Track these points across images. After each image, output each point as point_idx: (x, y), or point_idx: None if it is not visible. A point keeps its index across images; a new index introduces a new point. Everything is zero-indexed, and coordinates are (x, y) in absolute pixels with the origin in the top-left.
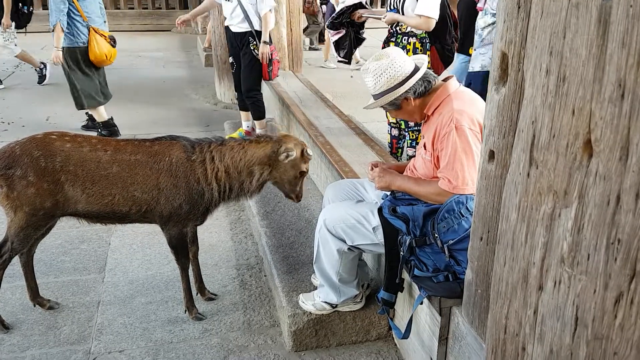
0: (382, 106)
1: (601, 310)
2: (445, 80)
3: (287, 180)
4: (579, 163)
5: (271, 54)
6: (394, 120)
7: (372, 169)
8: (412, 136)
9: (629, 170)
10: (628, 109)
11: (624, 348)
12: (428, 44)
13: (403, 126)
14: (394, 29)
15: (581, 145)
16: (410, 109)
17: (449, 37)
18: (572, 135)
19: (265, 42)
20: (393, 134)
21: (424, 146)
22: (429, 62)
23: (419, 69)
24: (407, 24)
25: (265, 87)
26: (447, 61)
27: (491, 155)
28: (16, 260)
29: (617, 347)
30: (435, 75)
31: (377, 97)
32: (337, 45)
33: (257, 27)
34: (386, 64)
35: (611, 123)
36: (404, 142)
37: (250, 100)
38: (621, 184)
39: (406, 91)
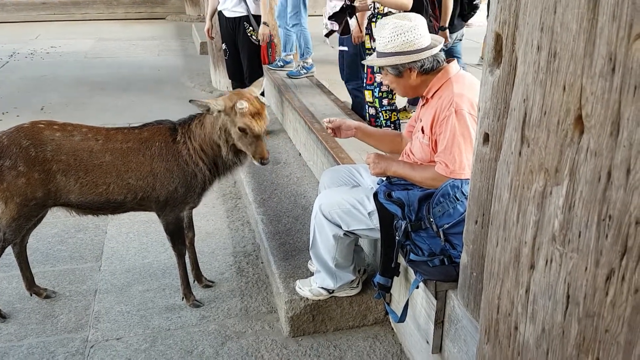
0: (382, 67)
1: (592, 288)
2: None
3: (235, 139)
4: (570, 140)
5: (271, 36)
6: (370, 99)
7: (332, 126)
8: (386, 116)
9: (620, 145)
10: (619, 83)
11: (615, 325)
12: None
13: (377, 104)
14: (374, 11)
15: (572, 121)
16: (410, 82)
17: (425, 16)
18: (563, 112)
19: (264, 23)
20: (370, 113)
21: (422, 130)
22: None
23: (434, 47)
24: (384, 4)
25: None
26: None
27: (486, 137)
28: (11, 249)
29: (609, 325)
30: (444, 58)
31: (384, 55)
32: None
33: (252, 11)
34: (408, 27)
35: (602, 98)
36: (381, 121)
37: None
38: (612, 159)
39: (415, 62)
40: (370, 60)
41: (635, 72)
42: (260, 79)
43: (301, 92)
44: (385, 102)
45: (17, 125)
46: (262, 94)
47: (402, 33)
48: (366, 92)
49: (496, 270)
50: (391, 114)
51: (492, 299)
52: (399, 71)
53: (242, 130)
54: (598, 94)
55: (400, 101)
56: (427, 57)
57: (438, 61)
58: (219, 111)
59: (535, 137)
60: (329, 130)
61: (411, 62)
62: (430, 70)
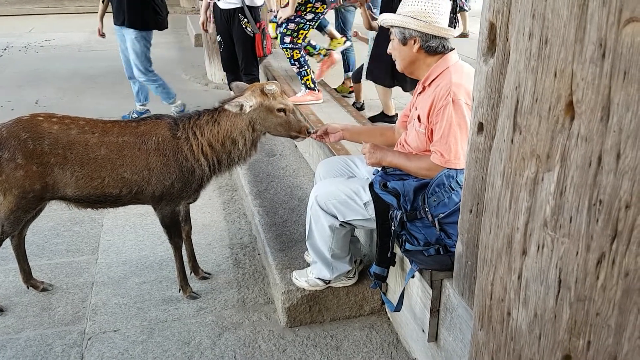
0: (391, 28)
1: (583, 272)
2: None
3: (275, 126)
4: (561, 126)
5: (264, 29)
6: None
7: (321, 133)
8: (287, 54)
9: (610, 130)
10: (609, 69)
11: (606, 308)
12: None
13: (279, 41)
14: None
15: (563, 107)
16: (410, 55)
17: None
18: (554, 98)
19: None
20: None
21: (418, 118)
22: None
23: (448, 32)
24: None
25: None
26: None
27: (480, 127)
28: (8, 243)
29: (600, 308)
30: (452, 47)
31: (399, 17)
32: None
33: (247, 2)
34: (433, 0)
35: (592, 83)
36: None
37: (247, 78)
38: (602, 144)
39: (421, 33)
40: (384, 18)
41: (625, 57)
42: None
43: (297, 84)
44: (287, 39)
45: (17, 117)
46: None
47: (425, 2)
48: (270, 25)
49: (489, 257)
50: (293, 52)
51: (485, 286)
52: (404, 37)
53: (281, 110)
54: (588, 79)
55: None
56: (437, 37)
57: (444, 46)
58: (251, 107)
59: (527, 124)
60: (317, 139)
61: (418, 32)
62: (433, 51)
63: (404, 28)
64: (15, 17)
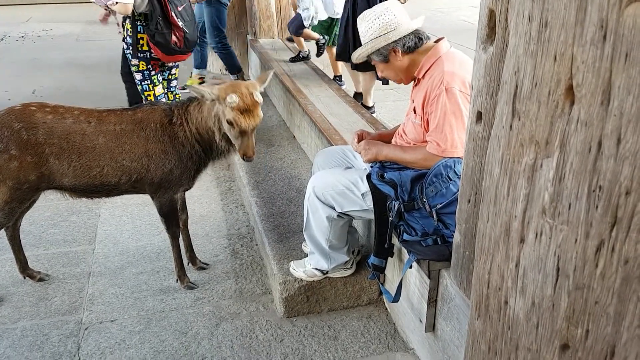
0: (369, 57)
1: (582, 260)
2: (436, 41)
3: (226, 130)
4: (561, 111)
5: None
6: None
7: (358, 139)
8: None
9: (611, 115)
10: (610, 51)
11: (605, 296)
12: (139, 26)
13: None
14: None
15: (563, 91)
16: (398, 64)
17: (151, 23)
18: (553, 83)
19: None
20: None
21: (414, 110)
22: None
23: (412, 24)
24: (117, 10)
25: (253, 55)
26: (161, 48)
27: (479, 116)
28: (3, 233)
29: (599, 296)
30: (428, 35)
31: (367, 45)
32: None
33: None
34: (381, 10)
35: (593, 66)
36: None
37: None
38: (602, 129)
39: (395, 41)
40: (356, 52)
41: (626, 39)
42: (268, 72)
43: (294, 75)
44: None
45: (8, 107)
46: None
47: (377, 17)
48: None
49: (487, 246)
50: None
51: (483, 274)
52: (384, 55)
53: (229, 123)
54: (589, 62)
55: None
56: (408, 35)
57: (420, 38)
58: (213, 100)
59: (526, 110)
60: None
61: (392, 42)
62: (414, 47)
63: (377, 50)
64: (13, 7)
